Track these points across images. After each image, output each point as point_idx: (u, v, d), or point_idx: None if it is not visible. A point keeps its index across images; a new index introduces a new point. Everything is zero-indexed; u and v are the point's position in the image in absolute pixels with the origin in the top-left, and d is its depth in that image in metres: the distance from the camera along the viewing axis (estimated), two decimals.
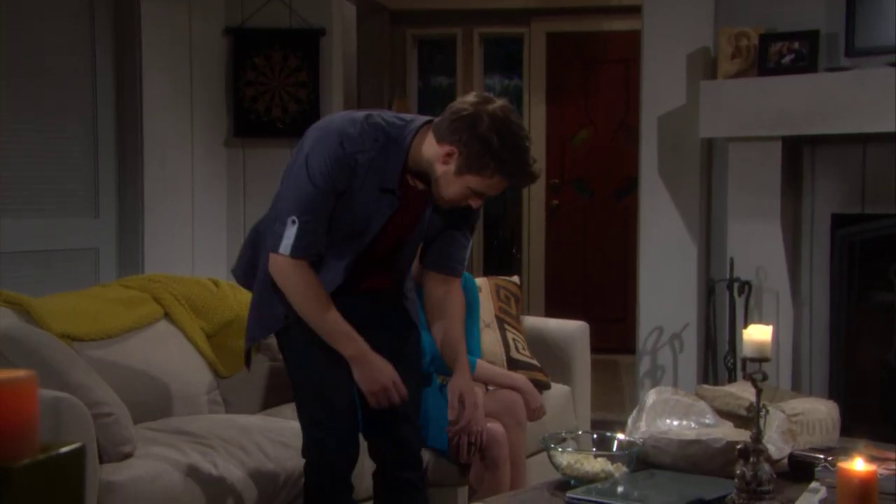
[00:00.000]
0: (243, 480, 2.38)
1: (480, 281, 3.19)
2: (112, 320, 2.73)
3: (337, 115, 2.17)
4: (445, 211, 2.20)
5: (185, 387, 2.79)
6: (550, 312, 5.80)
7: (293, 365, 2.27)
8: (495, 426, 2.64)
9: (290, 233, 2.07)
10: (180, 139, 4.11)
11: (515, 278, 3.42)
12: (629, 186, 5.85)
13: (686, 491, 2.06)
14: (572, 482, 2.20)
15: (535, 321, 3.46)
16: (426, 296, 2.31)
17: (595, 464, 2.21)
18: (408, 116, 2.18)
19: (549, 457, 2.27)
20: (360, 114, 2.15)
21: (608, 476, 2.19)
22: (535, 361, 3.15)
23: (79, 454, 0.88)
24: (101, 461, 2.22)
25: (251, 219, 4.35)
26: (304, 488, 2.31)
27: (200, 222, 4.19)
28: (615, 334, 5.69)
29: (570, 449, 2.29)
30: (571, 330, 3.34)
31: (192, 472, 2.32)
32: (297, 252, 2.08)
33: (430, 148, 2.10)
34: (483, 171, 2.06)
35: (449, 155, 2.07)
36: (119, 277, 3.66)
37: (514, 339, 3.15)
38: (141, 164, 3.92)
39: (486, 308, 3.11)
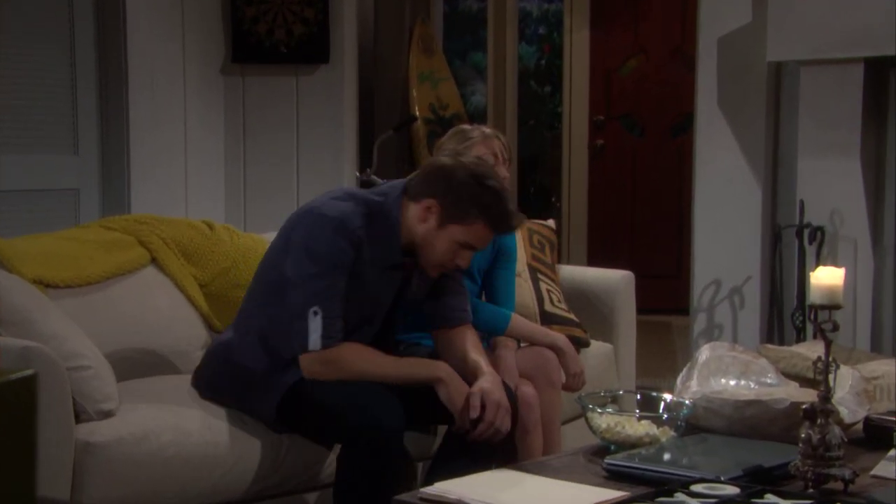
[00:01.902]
0: (241, 445, 2.38)
1: None
2: (91, 265, 2.73)
3: (314, 199, 2.42)
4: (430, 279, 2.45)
5: (176, 341, 2.79)
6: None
7: (305, 395, 2.36)
8: (526, 387, 2.64)
9: (316, 325, 2.29)
10: (170, 65, 4.10)
11: (550, 222, 3.40)
12: (685, 123, 5.78)
13: (743, 457, 2.05)
14: (612, 447, 2.19)
15: (572, 270, 3.45)
16: (438, 348, 2.51)
17: (638, 427, 2.21)
18: (379, 189, 2.45)
19: (587, 419, 2.26)
20: (338, 191, 2.44)
21: (653, 441, 2.18)
22: (572, 316, 3.13)
23: (29, 382, 0.87)
24: (78, 420, 2.23)
25: (251, 154, 4.35)
26: (347, 472, 2.32)
27: (194, 159, 4.19)
28: (667, 292, 5.67)
29: (610, 410, 2.28)
30: (614, 280, 3.31)
31: (183, 435, 2.32)
32: (328, 342, 2.31)
33: (409, 212, 2.37)
34: (465, 219, 2.32)
35: (428, 209, 2.34)
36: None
37: (548, 291, 3.14)
38: (125, 94, 3.91)
39: (518, 256, 3.09)
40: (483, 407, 2.30)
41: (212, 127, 4.28)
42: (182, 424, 2.35)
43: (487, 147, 2.77)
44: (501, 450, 2.42)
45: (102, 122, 3.93)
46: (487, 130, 2.81)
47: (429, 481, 2.34)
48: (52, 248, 2.72)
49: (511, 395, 2.41)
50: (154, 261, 2.88)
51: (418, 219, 2.35)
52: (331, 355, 2.32)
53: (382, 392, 2.32)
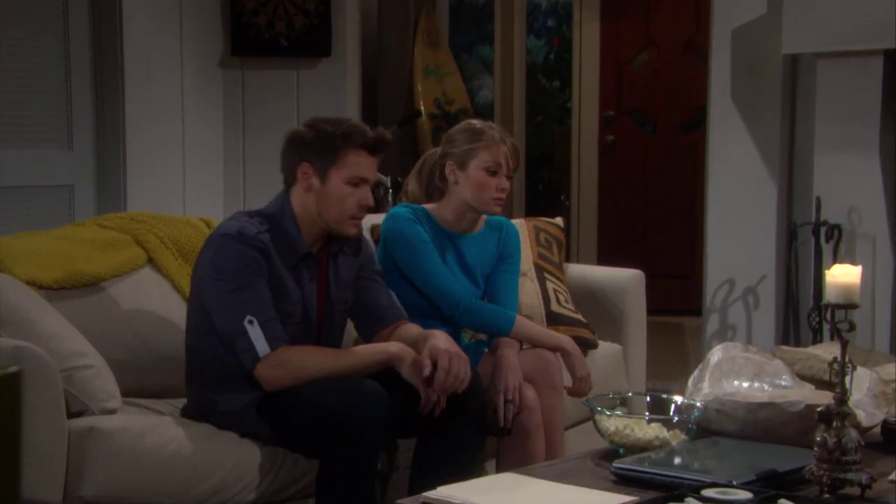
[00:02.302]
0: (242, 449, 2.39)
1: (517, 222, 3.16)
2: (86, 265, 2.73)
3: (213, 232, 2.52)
4: (348, 274, 2.53)
5: (173, 344, 2.78)
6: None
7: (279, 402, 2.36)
8: (527, 390, 2.63)
9: (257, 333, 2.32)
10: (168, 58, 4.10)
11: (558, 220, 3.40)
12: (697, 118, 5.77)
13: (756, 462, 2.05)
14: (620, 451, 2.19)
15: (580, 269, 3.45)
16: None
17: (648, 430, 2.20)
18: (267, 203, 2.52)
19: (594, 421, 2.26)
20: (230, 216, 2.51)
21: (663, 444, 2.18)
22: (579, 316, 3.12)
23: (14, 379, 0.87)
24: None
25: (251, 150, 4.35)
26: (324, 472, 2.32)
27: (192, 154, 4.19)
28: (679, 291, 5.68)
29: (619, 413, 2.27)
30: (623, 279, 3.31)
31: (185, 434, 2.35)
32: (274, 343, 2.34)
33: (296, 196, 2.45)
34: (337, 157, 2.41)
35: (305, 175, 2.43)
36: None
37: (555, 290, 3.13)
38: (121, 87, 3.92)
39: (523, 254, 3.08)
40: (436, 363, 2.33)
41: (210, 122, 4.29)
42: (184, 424, 2.38)
43: (493, 155, 2.73)
44: (476, 436, 2.47)
45: (97, 117, 3.94)
46: (497, 134, 2.76)
47: (414, 481, 2.36)
48: (46, 248, 2.72)
49: (478, 378, 2.43)
50: (151, 261, 2.87)
51: (304, 191, 2.43)
52: (281, 356, 2.34)
53: (360, 380, 2.32)
